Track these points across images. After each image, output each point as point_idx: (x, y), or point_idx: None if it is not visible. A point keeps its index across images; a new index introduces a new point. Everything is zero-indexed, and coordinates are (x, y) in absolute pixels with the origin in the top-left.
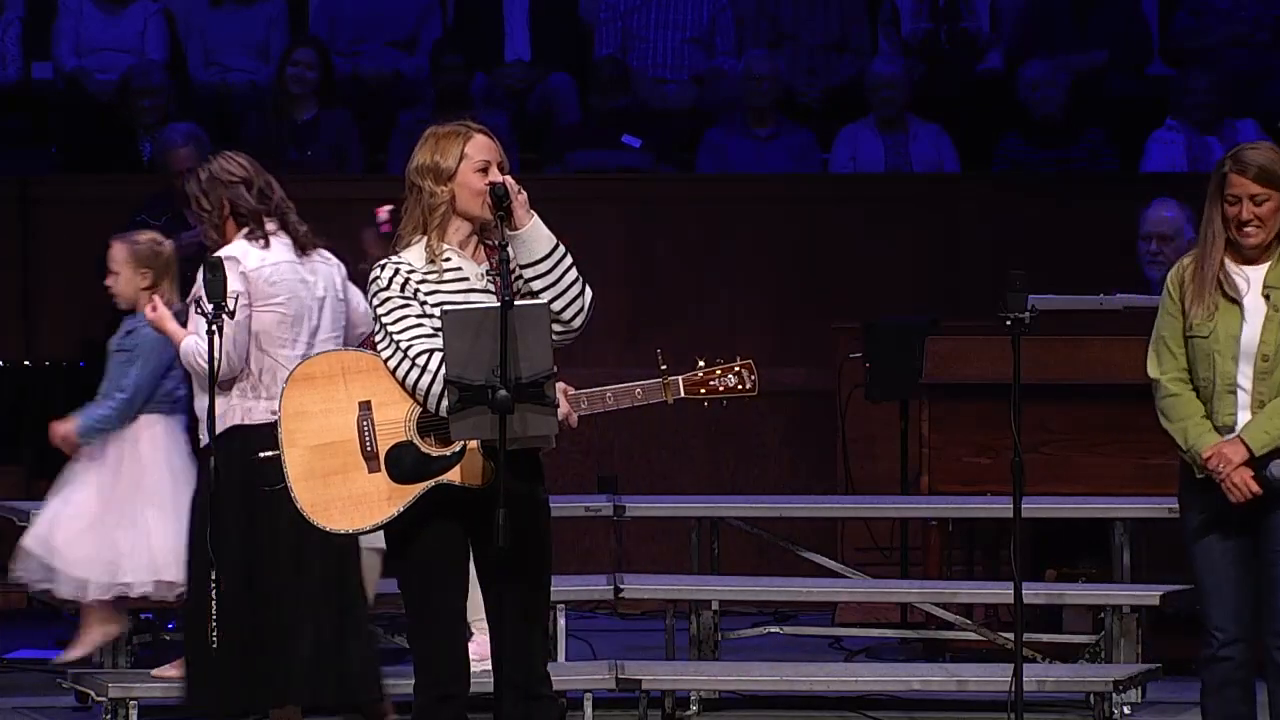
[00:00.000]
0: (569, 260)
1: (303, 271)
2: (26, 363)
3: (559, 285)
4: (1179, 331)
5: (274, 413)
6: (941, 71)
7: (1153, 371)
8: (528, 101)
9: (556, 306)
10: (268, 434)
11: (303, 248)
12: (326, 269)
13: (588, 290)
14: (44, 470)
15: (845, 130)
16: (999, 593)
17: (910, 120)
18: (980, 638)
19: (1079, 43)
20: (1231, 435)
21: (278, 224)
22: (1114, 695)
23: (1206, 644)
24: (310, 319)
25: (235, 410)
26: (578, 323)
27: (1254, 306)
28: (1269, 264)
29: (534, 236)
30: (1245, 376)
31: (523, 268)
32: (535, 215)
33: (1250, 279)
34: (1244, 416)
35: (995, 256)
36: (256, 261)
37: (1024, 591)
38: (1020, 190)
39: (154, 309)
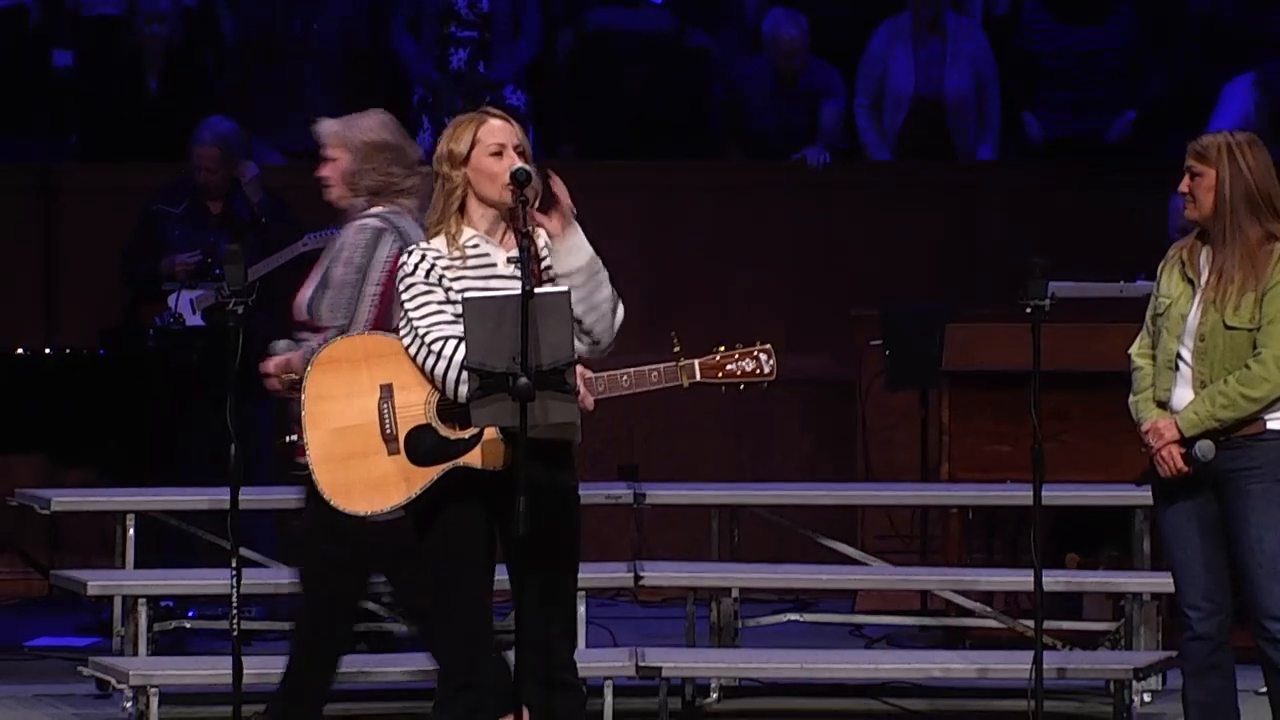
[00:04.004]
0: (604, 276)
1: None
2: (47, 351)
3: (589, 300)
4: (1152, 309)
5: None
6: None
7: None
8: None
9: (586, 321)
10: None
11: None
12: None
13: (620, 310)
14: (65, 458)
15: (876, 39)
16: (1019, 580)
17: (949, 21)
18: (1000, 625)
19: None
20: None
21: None
22: (1134, 683)
23: (1183, 627)
24: None
25: None
26: (605, 340)
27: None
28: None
29: (571, 247)
30: (1187, 353)
31: (559, 278)
32: (577, 226)
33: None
34: (1180, 393)
35: (1015, 243)
36: None
37: (1044, 579)
38: (1040, 176)
39: None
